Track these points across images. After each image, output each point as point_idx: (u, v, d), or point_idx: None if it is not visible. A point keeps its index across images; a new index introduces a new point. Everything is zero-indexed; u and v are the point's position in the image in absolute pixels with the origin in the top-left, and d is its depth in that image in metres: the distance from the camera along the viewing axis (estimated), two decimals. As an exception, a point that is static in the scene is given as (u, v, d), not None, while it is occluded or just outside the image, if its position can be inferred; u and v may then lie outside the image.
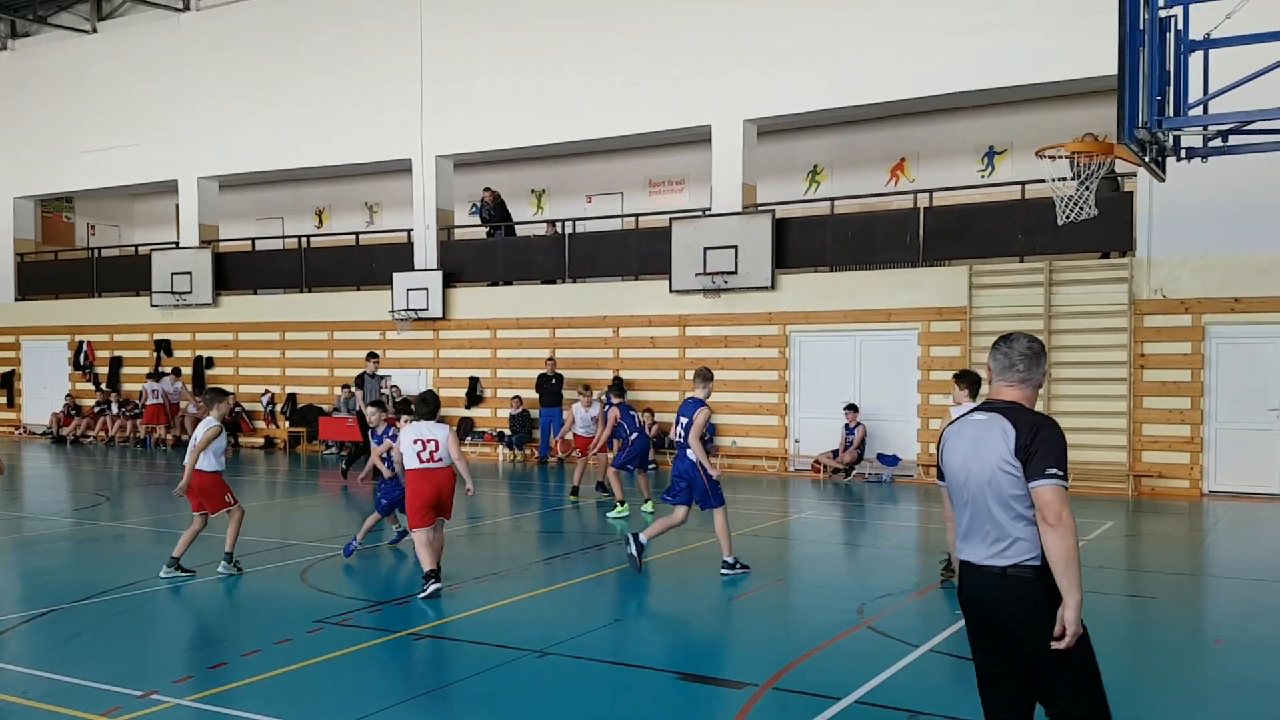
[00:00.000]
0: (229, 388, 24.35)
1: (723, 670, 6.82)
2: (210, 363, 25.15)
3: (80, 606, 8.62)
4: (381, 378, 22.47)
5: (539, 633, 7.84)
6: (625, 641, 7.73)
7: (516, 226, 23.10)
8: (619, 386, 15.23)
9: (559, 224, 22.15)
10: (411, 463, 9.01)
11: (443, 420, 9.35)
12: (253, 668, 6.89)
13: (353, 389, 20.54)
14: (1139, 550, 12.27)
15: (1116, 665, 7.28)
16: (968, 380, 9.70)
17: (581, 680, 6.74)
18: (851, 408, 18.02)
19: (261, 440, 24.16)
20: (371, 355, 17.76)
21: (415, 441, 8.97)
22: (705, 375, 10.44)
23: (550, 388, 20.09)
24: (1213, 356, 15.95)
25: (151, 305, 25.46)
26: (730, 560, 9.78)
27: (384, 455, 10.77)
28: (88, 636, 7.80)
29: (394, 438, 10.33)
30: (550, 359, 20.34)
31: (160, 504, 15.84)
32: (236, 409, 24.24)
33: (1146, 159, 9.73)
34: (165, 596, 9.18)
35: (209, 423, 10.04)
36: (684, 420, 9.96)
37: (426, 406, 9.18)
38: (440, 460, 8.99)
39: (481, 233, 23.08)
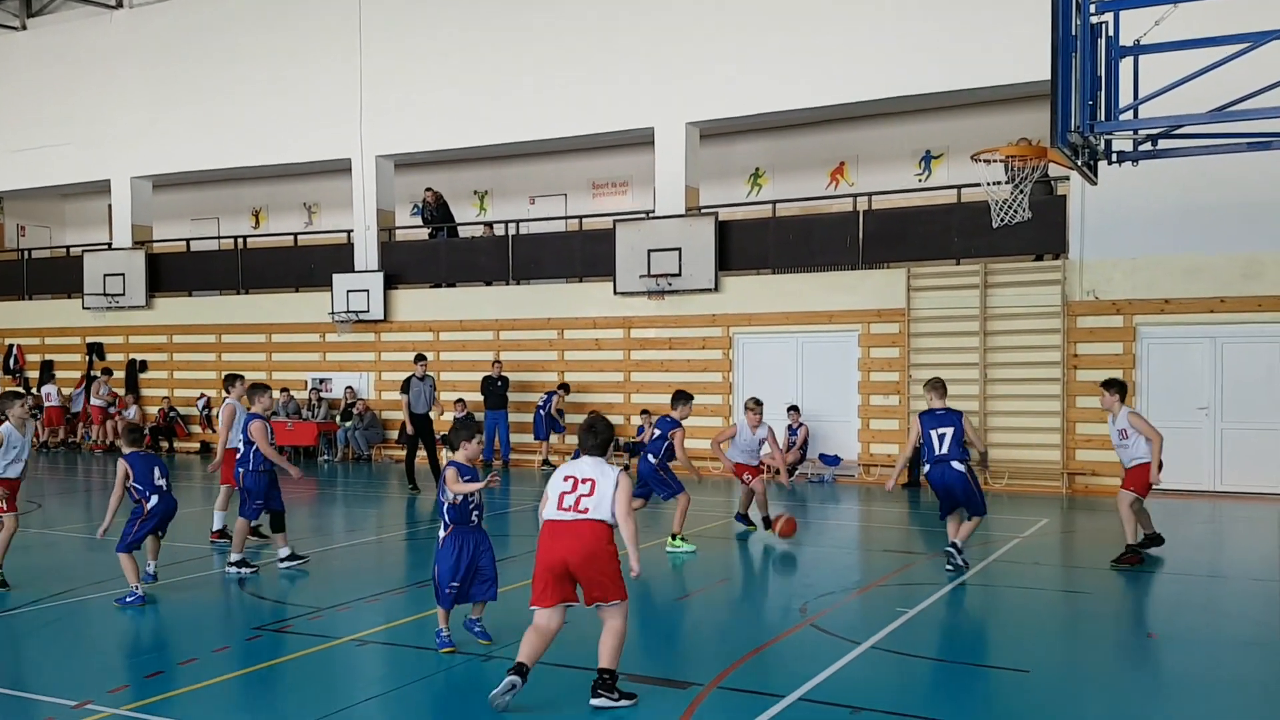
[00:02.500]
0: (162, 391, 24.12)
1: (668, 670, 6.84)
2: (144, 366, 24.67)
3: (9, 616, 8.40)
4: (320, 382, 22.25)
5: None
6: (571, 643, 7.71)
7: (459, 228, 22.96)
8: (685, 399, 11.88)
9: (496, 226, 22.06)
10: (549, 511, 6.33)
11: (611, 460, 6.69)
12: (190, 676, 6.77)
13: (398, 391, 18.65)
14: (1073, 547, 12.52)
15: (1053, 659, 7.45)
16: (1119, 387, 10.71)
17: (527, 683, 6.71)
18: (794, 409, 18.17)
19: (197, 445, 23.75)
20: (420, 357, 17.06)
21: (565, 479, 6.31)
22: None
23: (496, 390, 19.99)
24: (1143, 356, 16.34)
25: (84, 307, 24.91)
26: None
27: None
28: (18, 647, 7.62)
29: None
30: (496, 361, 20.24)
31: (94, 511, 15.50)
32: (171, 414, 23.84)
33: (1079, 163, 9.94)
34: (99, 605, 8.97)
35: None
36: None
37: (595, 437, 6.44)
38: (586, 512, 6.20)
39: (423, 234, 22.90)
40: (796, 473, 18.09)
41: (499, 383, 20.05)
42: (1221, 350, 15.96)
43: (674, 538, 11.19)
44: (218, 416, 21.14)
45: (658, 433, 11.43)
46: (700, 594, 9.33)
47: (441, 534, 7.29)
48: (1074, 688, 6.74)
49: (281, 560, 10.32)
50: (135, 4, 24.87)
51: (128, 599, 8.78)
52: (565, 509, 6.21)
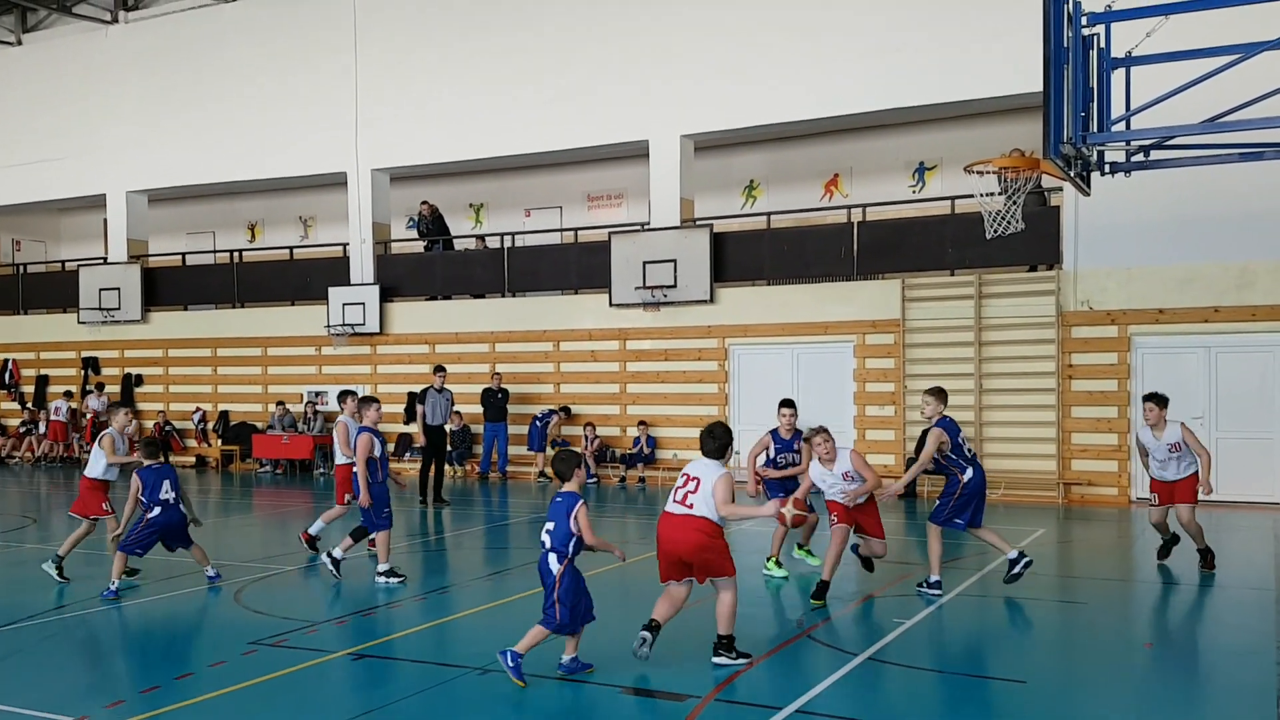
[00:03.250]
0: (157, 405, 24.09)
1: (665, 683, 6.83)
2: (139, 380, 24.64)
3: (6, 631, 8.38)
4: (319, 392, 22.24)
5: (480, 650, 7.78)
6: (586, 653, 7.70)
7: (455, 240, 22.99)
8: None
9: (492, 239, 22.08)
10: (668, 504, 7.23)
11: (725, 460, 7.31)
12: (186, 691, 6.76)
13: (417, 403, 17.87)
14: (1069, 557, 12.53)
15: (1049, 669, 7.45)
16: (1163, 402, 10.74)
17: (523, 697, 6.71)
18: (789, 419, 18.14)
19: (193, 459, 23.72)
20: (439, 369, 17.08)
21: (682, 476, 7.26)
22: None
23: (496, 402, 19.93)
24: (1138, 366, 16.38)
25: (79, 322, 24.90)
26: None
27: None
28: (15, 662, 7.59)
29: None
30: (496, 374, 20.22)
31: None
32: (167, 427, 23.81)
33: (1071, 174, 9.97)
34: (96, 620, 8.96)
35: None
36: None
37: (713, 441, 7.22)
38: (691, 508, 7.05)
39: (419, 247, 22.92)
40: (793, 484, 18.08)
41: (499, 395, 20.02)
42: (1216, 360, 16.01)
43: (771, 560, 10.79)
44: (213, 430, 21.24)
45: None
46: (696, 606, 9.31)
47: (558, 566, 6.93)
48: (1070, 698, 6.74)
49: (369, 569, 10.56)
50: (131, 19, 24.92)
51: (105, 593, 9.55)
52: (676, 503, 7.11)
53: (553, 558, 6.94)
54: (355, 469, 10.25)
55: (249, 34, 23.37)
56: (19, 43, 26.40)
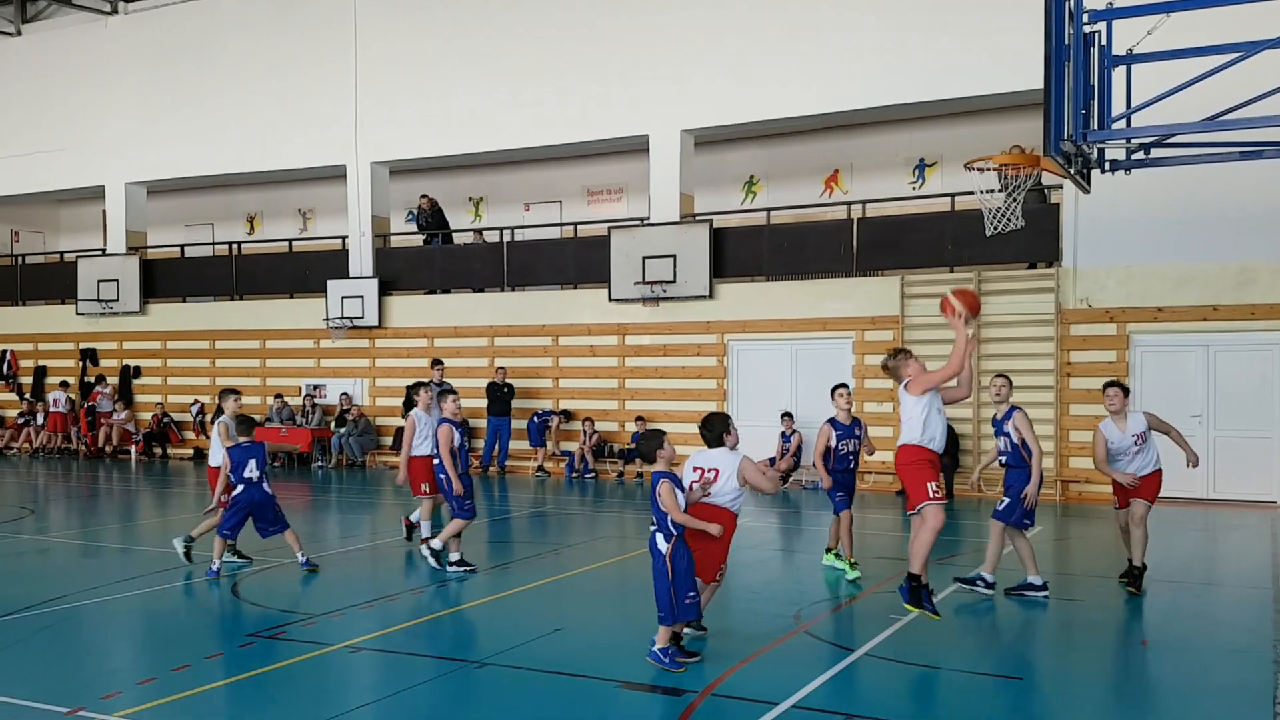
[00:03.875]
0: (156, 398, 24.08)
1: (662, 678, 6.83)
2: (137, 372, 24.63)
3: (2, 622, 8.38)
4: (317, 387, 22.27)
5: (478, 643, 7.80)
6: (564, 651, 7.72)
7: (454, 234, 22.97)
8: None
9: (490, 232, 22.07)
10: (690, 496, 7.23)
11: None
12: (183, 683, 6.76)
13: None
14: (1067, 554, 12.55)
15: (1046, 666, 7.46)
16: (1126, 391, 10.20)
17: (520, 691, 6.71)
18: (788, 415, 18.19)
19: (191, 451, 23.70)
20: (436, 363, 17.01)
21: (694, 469, 7.33)
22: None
23: (501, 396, 19.84)
24: (1137, 364, 16.38)
25: (77, 313, 24.89)
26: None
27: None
28: (11, 653, 7.59)
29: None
30: (500, 369, 20.13)
31: (88, 518, 15.48)
32: (164, 420, 23.80)
33: (1071, 171, 9.97)
34: (92, 611, 8.96)
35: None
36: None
37: (709, 430, 7.41)
38: (710, 497, 7.23)
39: (418, 240, 22.91)
40: (790, 479, 18.11)
41: (504, 389, 19.93)
42: (1214, 358, 16.01)
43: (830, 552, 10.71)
44: (211, 422, 21.07)
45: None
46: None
47: (665, 545, 6.88)
48: (1067, 695, 6.75)
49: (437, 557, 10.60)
50: (130, 10, 24.87)
51: (208, 573, 9.98)
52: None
53: (659, 537, 6.95)
54: (436, 461, 10.35)
55: (248, 26, 23.33)
56: (18, 33, 26.35)
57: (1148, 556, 9.81)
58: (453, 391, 10.70)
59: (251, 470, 10.14)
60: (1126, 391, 10.13)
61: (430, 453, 10.83)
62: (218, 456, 10.69)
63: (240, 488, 10.15)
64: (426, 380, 11.87)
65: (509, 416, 19.93)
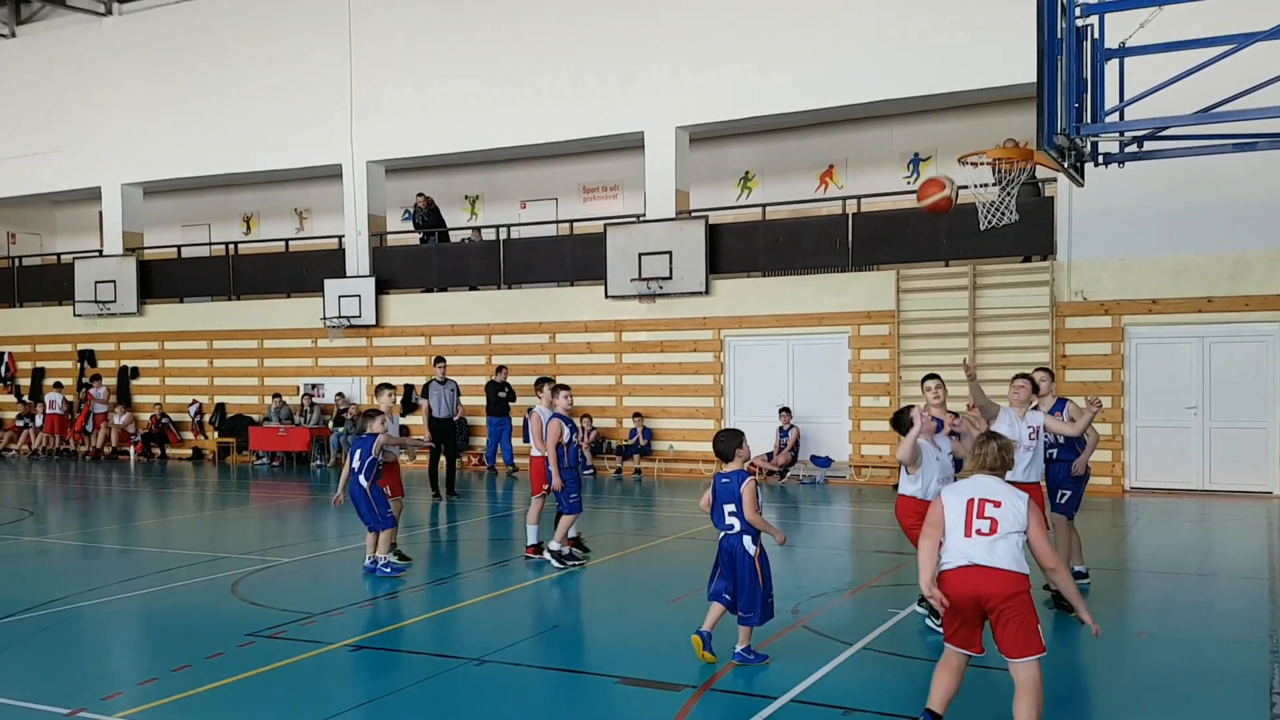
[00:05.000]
0: (154, 398, 24.08)
1: (660, 673, 6.87)
2: (135, 372, 24.64)
3: (2, 624, 8.40)
4: (315, 386, 22.30)
5: (477, 641, 7.83)
6: (563, 647, 7.75)
7: (450, 232, 22.98)
8: None
9: (487, 230, 22.08)
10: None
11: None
12: (183, 683, 6.78)
13: (415, 398, 18.15)
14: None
15: (1045, 657, 7.48)
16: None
17: (520, 687, 6.75)
18: (785, 410, 18.22)
19: (189, 451, 23.72)
20: (439, 360, 17.01)
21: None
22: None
23: (500, 397, 19.66)
24: (1132, 356, 16.42)
25: (75, 315, 24.89)
26: None
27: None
28: (11, 654, 7.62)
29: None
30: (501, 368, 19.97)
31: (87, 519, 15.49)
32: (163, 420, 23.82)
33: (1065, 164, 9.99)
34: (91, 612, 8.98)
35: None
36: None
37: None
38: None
39: (415, 239, 22.92)
40: (788, 474, 18.15)
41: (504, 390, 19.81)
42: (1209, 350, 16.05)
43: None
44: (209, 422, 21.15)
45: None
46: (691, 597, 9.36)
47: (753, 549, 6.95)
48: (1063, 687, 6.78)
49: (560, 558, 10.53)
50: (125, 10, 24.85)
51: (382, 570, 10.01)
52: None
53: (747, 540, 6.93)
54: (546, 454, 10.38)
55: (243, 26, 23.31)
56: (13, 34, 26.32)
57: (1146, 547, 9.81)
58: (565, 387, 10.68)
59: (355, 461, 10.13)
60: (1036, 387, 8.99)
61: (387, 457, 10.68)
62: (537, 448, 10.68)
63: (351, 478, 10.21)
64: (388, 382, 11.62)
65: (509, 416, 19.81)
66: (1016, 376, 8.94)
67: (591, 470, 19.19)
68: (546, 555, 10.56)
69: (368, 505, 10.09)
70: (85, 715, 6.11)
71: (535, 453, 10.83)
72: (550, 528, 10.74)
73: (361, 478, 10.08)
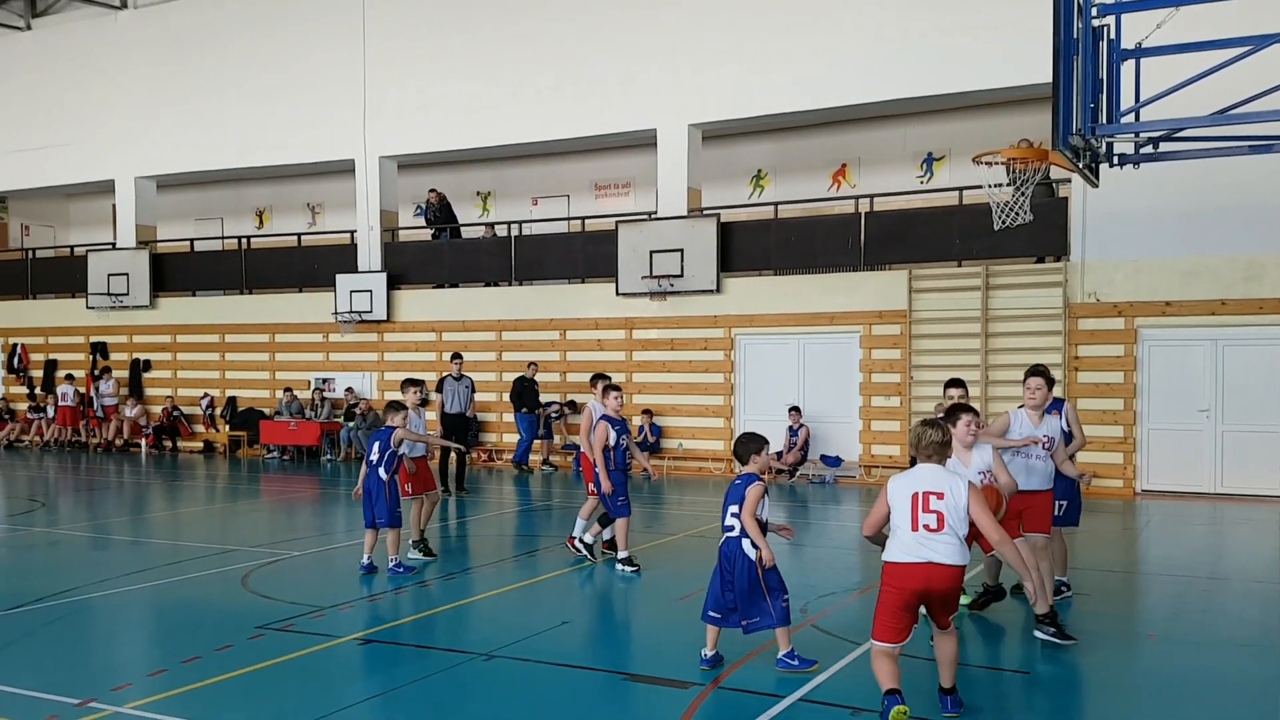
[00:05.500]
0: (165, 391, 24.17)
1: (669, 670, 6.86)
2: (148, 365, 24.73)
3: (13, 615, 8.44)
4: (326, 380, 22.35)
5: (485, 636, 7.84)
6: (572, 643, 7.76)
7: (462, 228, 23.01)
8: None
9: (499, 227, 22.10)
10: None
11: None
12: (193, 674, 6.81)
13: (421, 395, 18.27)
14: (1074, 548, 12.49)
15: (1052, 660, 7.47)
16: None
17: (528, 683, 6.75)
18: (795, 409, 18.20)
19: (200, 444, 23.80)
20: (456, 356, 17.05)
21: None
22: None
23: (531, 391, 19.59)
24: (1144, 358, 16.35)
25: (87, 307, 24.98)
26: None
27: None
28: (22, 644, 7.65)
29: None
30: (533, 364, 19.93)
31: (97, 510, 15.56)
32: (174, 413, 23.90)
33: (1080, 165, 9.95)
34: (102, 604, 9.02)
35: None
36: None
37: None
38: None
39: (426, 234, 22.95)
40: (798, 474, 18.13)
41: (534, 385, 19.76)
42: (1222, 352, 15.97)
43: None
44: (220, 415, 21.00)
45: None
46: (701, 594, 9.35)
47: (753, 552, 6.71)
48: (1074, 689, 6.76)
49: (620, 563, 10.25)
50: (140, 4, 24.93)
51: (394, 570, 9.87)
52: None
53: (745, 543, 6.74)
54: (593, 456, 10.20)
55: (257, 20, 23.37)
56: (28, 27, 26.43)
57: (1157, 550, 9.77)
58: (616, 388, 10.38)
59: (373, 454, 10.05)
60: (1051, 384, 8.27)
61: (418, 453, 10.83)
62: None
63: (366, 470, 10.12)
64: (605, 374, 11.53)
65: (537, 413, 19.74)
66: (1030, 374, 8.20)
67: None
68: (619, 568, 10.16)
69: (383, 499, 10.00)
70: (95, 705, 6.13)
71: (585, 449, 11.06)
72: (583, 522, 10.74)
73: (381, 470, 10.05)
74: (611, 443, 10.15)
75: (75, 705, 6.13)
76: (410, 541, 10.73)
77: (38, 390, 25.73)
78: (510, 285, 21.28)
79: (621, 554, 10.23)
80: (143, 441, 23.76)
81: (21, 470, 20.75)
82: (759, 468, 6.91)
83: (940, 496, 5.59)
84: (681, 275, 18.88)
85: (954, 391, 9.13)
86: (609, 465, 10.12)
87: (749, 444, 7.01)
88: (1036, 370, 8.21)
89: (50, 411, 24.94)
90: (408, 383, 11.15)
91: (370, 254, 22.20)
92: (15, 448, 24.80)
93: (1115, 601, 9.39)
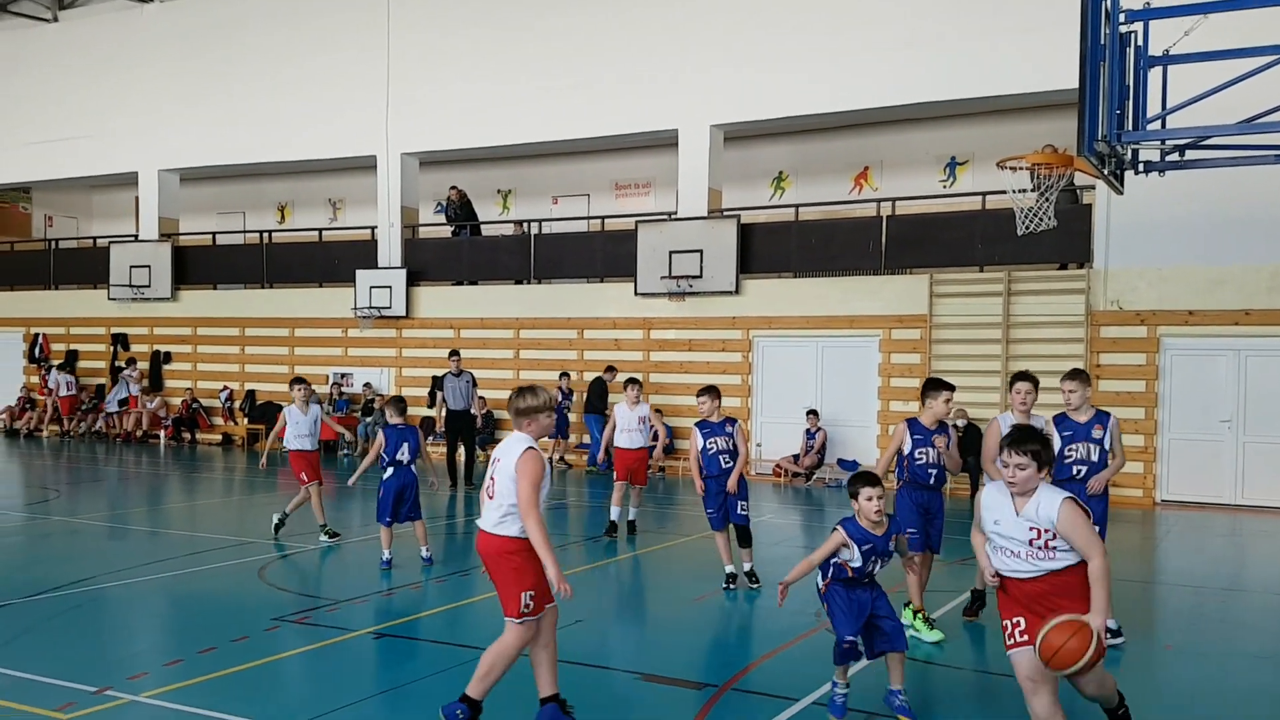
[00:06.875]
0: (185, 383, 24.29)
1: (683, 671, 6.85)
2: (168, 357, 24.87)
3: (31, 602, 8.50)
4: (344, 375, 22.43)
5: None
6: (587, 642, 7.75)
7: (482, 226, 23.04)
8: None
9: (526, 224, 22.14)
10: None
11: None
12: (209, 665, 6.84)
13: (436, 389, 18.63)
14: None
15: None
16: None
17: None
18: (813, 413, 18.15)
19: (219, 437, 23.91)
20: (454, 353, 17.11)
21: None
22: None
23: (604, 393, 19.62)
24: (1167, 368, 16.23)
25: (109, 298, 25.14)
26: None
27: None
28: (39, 632, 7.70)
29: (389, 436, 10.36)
30: (611, 368, 19.51)
31: (114, 500, 15.66)
32: (194, 405, 24.02)
33: (1105, 172, 9.89)
34: (118, 593, 9.07)
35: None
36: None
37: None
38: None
39: (446, 231, 23.00)
40: (814, 477, 18.08)
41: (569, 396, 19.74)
42: (1245, 363, 15.84)
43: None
44: (239, 409, 21.14)
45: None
46: (715, 596, 9.34)
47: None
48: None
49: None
50: (166, -2, 25.09)
51: (381, 564, 10.00)
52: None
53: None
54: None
55: (282, 15, 23.48)
56: (55, 19, 26.63)
57: (1176, 560, 9.69)
58: (710, 389, 9.69)
59: (404, 453, 10.21)
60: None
61: (304, 447, 11.44)
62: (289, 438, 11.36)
63: (390, 470, 10.18)
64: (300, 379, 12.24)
65: (601, 413, 19.42)
66: (1016, 379, 8.10)
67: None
68: (732, 587, 9.52)
69: (416, 495, 10.37)
70: (111, 694, 6.16)
71: (623, 444, 12.08)
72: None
73: (413, 467, 10.36)
74: (700, 447, 9.46)
75: (92, 693, 6.16)
76: (320, 525, 11.41)
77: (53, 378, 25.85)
78: (529, 284, 21.30)
79: (745, 567, 9.57)
80: (161, 433, 23.90)
81: (40, 460, 20.88)
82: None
83: None
84: (700, 276, 18.87)
85: (945, 394, 8.18)
86: (701, 472, 9.49)
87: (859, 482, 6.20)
88: (1024, 375, 8.06)
89: (63, 391, 24.96)
90: (295, 381, 11.82)
91: (390, 250, 22.27)
92: (34, 437, 24.97)
93: (1132, 611, 9.31)
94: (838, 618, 5.99)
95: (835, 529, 5.97)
